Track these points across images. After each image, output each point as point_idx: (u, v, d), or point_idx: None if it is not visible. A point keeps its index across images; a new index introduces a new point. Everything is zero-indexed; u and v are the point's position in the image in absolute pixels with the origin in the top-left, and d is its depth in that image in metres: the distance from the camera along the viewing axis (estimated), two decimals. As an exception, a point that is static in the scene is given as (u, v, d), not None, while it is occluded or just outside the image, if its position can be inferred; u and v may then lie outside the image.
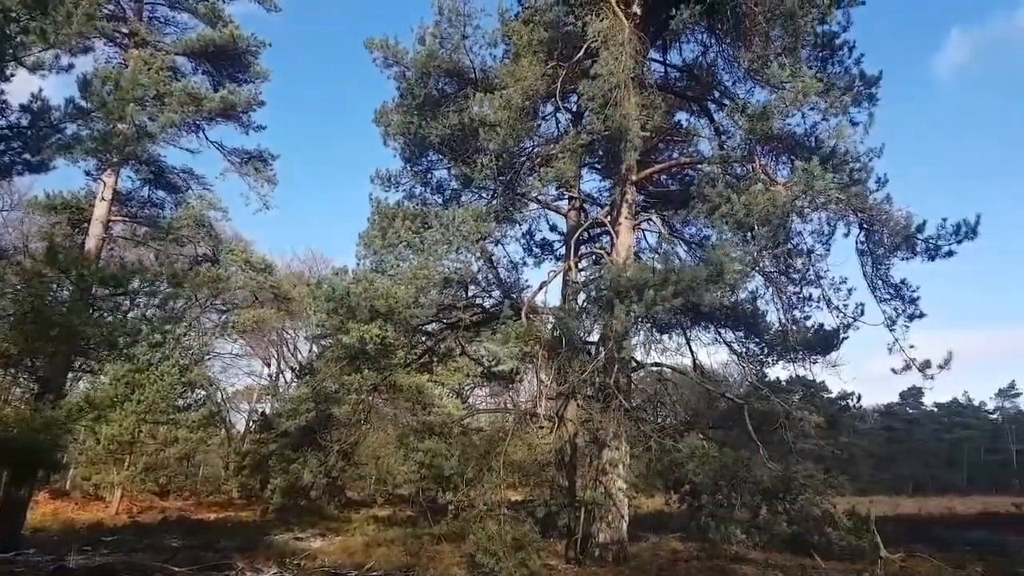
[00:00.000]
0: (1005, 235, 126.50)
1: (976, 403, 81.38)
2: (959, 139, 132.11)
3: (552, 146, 12.11)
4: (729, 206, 10.32)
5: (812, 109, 10.56)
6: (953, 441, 76.35)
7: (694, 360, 14.43)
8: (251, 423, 31.44)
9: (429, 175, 14.62)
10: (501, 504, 10.51)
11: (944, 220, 11.18)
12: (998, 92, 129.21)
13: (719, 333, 14.06)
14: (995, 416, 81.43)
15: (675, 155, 14.75)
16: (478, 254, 12.87)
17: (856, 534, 10.83)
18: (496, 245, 14.77)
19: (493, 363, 14.11)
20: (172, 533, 14.32)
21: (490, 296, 14.63)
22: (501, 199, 13.29)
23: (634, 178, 12.57)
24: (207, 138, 16.29)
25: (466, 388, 15.05)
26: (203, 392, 25.56)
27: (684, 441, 11.75)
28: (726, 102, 12.16)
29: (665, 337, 14.13)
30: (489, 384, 14.82)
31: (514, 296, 13.89)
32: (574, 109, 13.11)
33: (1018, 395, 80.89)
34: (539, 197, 14.33)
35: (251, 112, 16.33)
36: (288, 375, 35.90)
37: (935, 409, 79.73)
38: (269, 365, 37.03)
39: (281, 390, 33.27)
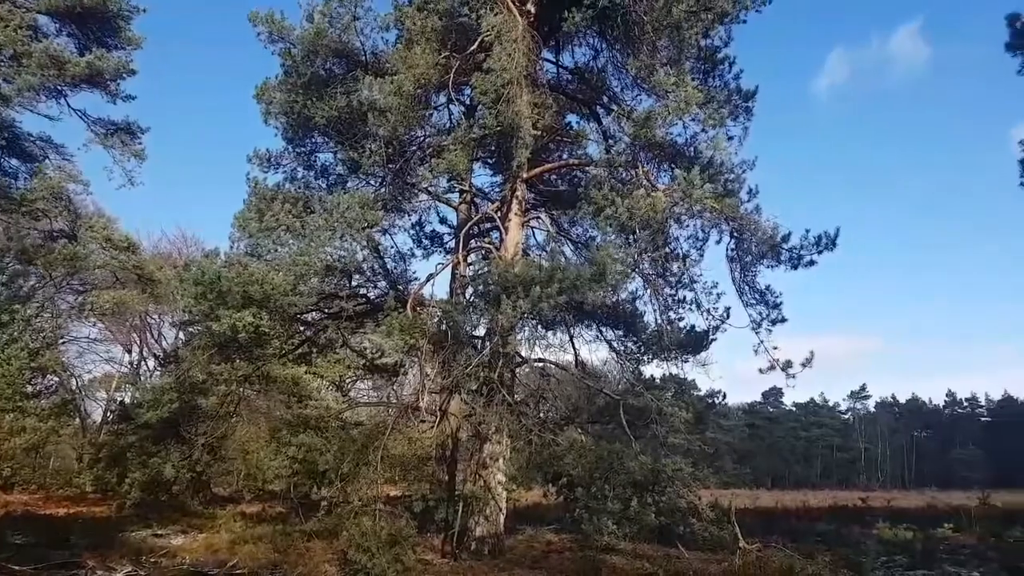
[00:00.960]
0: (865, 245, 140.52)
1: (831, 403, 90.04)
2: (831, 153, 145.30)
3: (444, 137, 12.09)
4: (613, 209, 10.78)
5: (693, 119, 11.26)
6: (809, 439, 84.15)
7: (576, 357, 14.95)
8: (109, 413, 29.73)
9: (313, 158, 14.23)
10: (378, 500, 10.45)
11: (807, 231, 12.33)
12: (871, 108, 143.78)
13: (600, 331, 14.63)
14: (847, 416, 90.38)
15: (565, 156, 15.18)
16: (364, 242, 12.66)
17: (718, 525, 11.65)
18: (383, 234, 14.59)
19: (377, 355, 13.95)
20: (15, 529, 13.10)
21: (375, 286, 14.43)
22: (390, 187, 13.15)
23: (525, 175, 12.84)
24: (69, 105, 15.20)
25: (347, 381, 14.74)
26: (55, 378, 23.80)
27: (563, 435, 12.21)
28: (614, 107, 12.69)
29: (549, 333, 14.50)
30: (372, 377, 14.61)
31: (400, 287, 13.79)
32: (467, 102, 13.19)
33: (868, 397, 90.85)
34: (429, 188, 14.29)
35: (120, 80, 15.32)
36: (151, 363, 34.08)
37: (794, 408, 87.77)
38: (130, 352, 34.71)
39: (143, 379, 31.51)
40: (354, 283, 14.11)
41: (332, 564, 10.06)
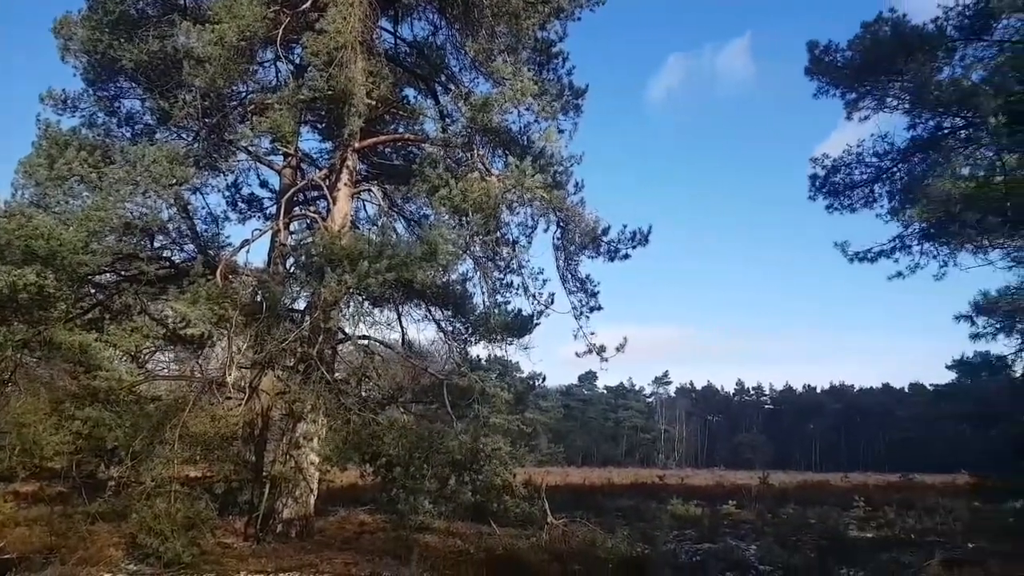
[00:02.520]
0: (688, 245, 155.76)
1: (637, 388, 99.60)
2: (661, 154, 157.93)
3: (269, 96, 11.58)
4: (448, 190, 11.04)
5: (528, 109, 11.82)
6: (617, 420, 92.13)
7: (403, 335, 15.10)
8: None
9: (117, 103, 13.06)
10: (174, 480, 9.91)
11: (624, 227, 13.44)
12: (701, 113, 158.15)
13: (429, 311, 14.89)
14: (651, 399, 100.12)
15: (401, 129, 15.13)
16: (171, 200, 11.80)
17: (529, 502, 12.44)
18: (194, 193, 13.65)
19: (180, 325, 13.07)
20: None
21: (182, 249, 13.51)
22: (204, 143, 12.38)
23: (357, 145, 12.69)
24: None
25: (144, 352, 13.63)
26: None
27: (384, 414, 12.34)
28: (452, 87, 12.91)
29: (376, 310, 14.53)
30: (173, 349, 13.64)
31: (211, 252, 13.03)
32: (297, 61, 12.73)
33: (669, 383, 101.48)
34: (250, 148, 13.61)
35: None
36: None
37: (605, 391, 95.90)
38: None
39: None
40: (157, 244, 13.12)
41: (118, 548, 9.43)
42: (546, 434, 75.72)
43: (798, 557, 11.42)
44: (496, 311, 14.37)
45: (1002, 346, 13.46)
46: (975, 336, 13.00)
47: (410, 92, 15.21)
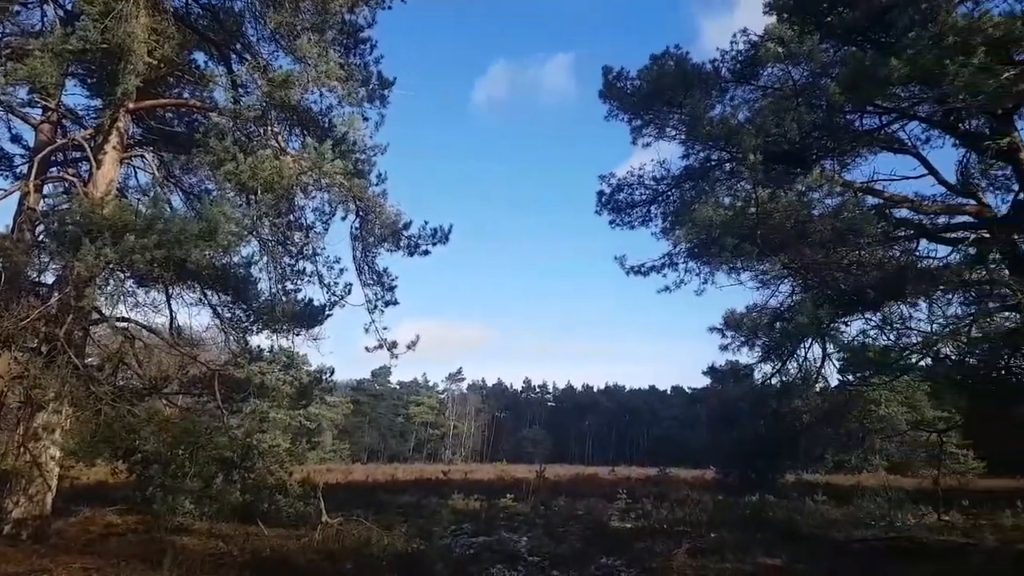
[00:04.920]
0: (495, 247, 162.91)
1: (431, 383, 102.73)
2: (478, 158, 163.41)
3: (31, 40, 10.44)
4: (235, 164, 10.72)
5: (331, 92, 11.82)
6: (407, 416, 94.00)
7: (172, 319, 14.23)
8: None
9: None
10: None
11: (425, 223, 13.90)
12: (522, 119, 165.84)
13: (205, 294, 14.15)
14: (443, 395, 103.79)
15: (186, 95, 14.28)
16: None
17: (304, 501, 12.40)
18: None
19: None
20: None
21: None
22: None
23: (132, 106, 11.82)
24: None
25: None
26: None
27: (143, 406, 11.61)
28: (248, 57, 12.51)
29: (141, 291, 13.56)
30: None
31: (-62, 211, 11.47)
32: (69, 7, 11.59)
33: (463, 379, 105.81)
34: (2, 96, 12.13)
35: None
36: None
37: (398, 387, 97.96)
38: None
39: None
40: None
41: None
42: (331, 430, 74.92)
43: (564, 547, 12.60)
44: (284, 299, 14.13)
45: (746, 357, 15.84)
46: (723, 347, 15.18)
47: (200, 57, 14.42)
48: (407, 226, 13.97)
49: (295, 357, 15.86)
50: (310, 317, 14.06)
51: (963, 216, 14.08)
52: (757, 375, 15.94)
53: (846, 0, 12.99)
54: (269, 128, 11.84)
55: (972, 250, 13.83)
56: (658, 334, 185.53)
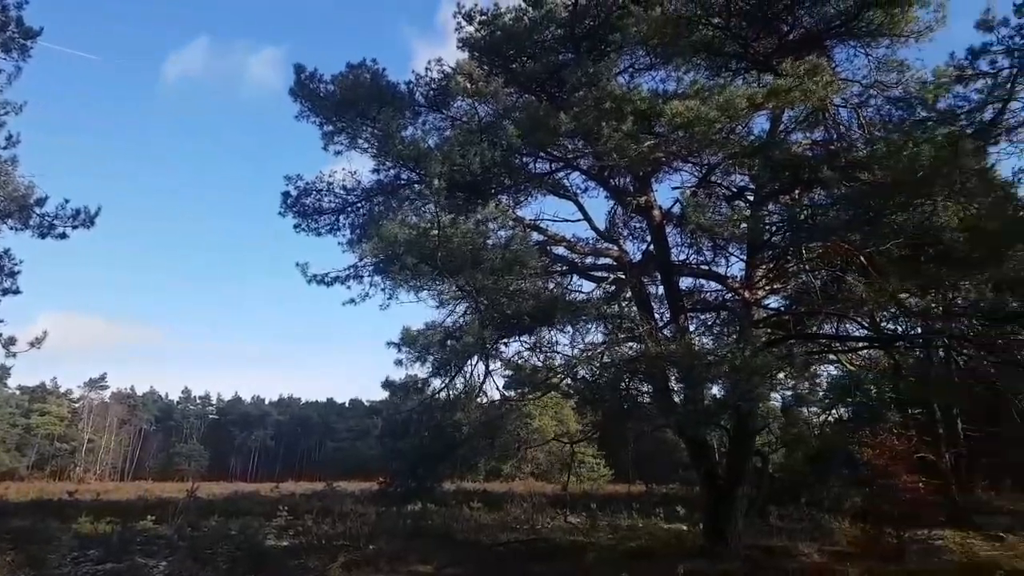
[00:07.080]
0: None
1: (63, 390, 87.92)
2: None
3: None
4: None
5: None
6: (29, 427, 79.88)
7: None
8: None
9: None
10: None
11: (66, 201, 12.17)
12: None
13: None
14: (78, 404, 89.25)
15: None
16: None
17: None
18: None
19: None
20: None
21: None
22: None
23: None
24: None
25: None
26: None
27: None
28: None
29: None
30: None
31: None
32: None
33: (107, 387, 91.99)
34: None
35: None
36: None
37: (18, 392, 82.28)
38: None
39: None
40: None
41: None
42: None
43: (209, 570, 11.94)
44: None
45: (420, 372, 16.66)
46: (398, 362, 15.77)
47: None
48: (41, 202, 12.12)
49: None
50: None
51: (607, 259, 16.60)
52: (429, 390, 16.80)
53: (529, 52, 14.57)
54: None
55: (611, 288, 16.42)
56: (340, 345, 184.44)
